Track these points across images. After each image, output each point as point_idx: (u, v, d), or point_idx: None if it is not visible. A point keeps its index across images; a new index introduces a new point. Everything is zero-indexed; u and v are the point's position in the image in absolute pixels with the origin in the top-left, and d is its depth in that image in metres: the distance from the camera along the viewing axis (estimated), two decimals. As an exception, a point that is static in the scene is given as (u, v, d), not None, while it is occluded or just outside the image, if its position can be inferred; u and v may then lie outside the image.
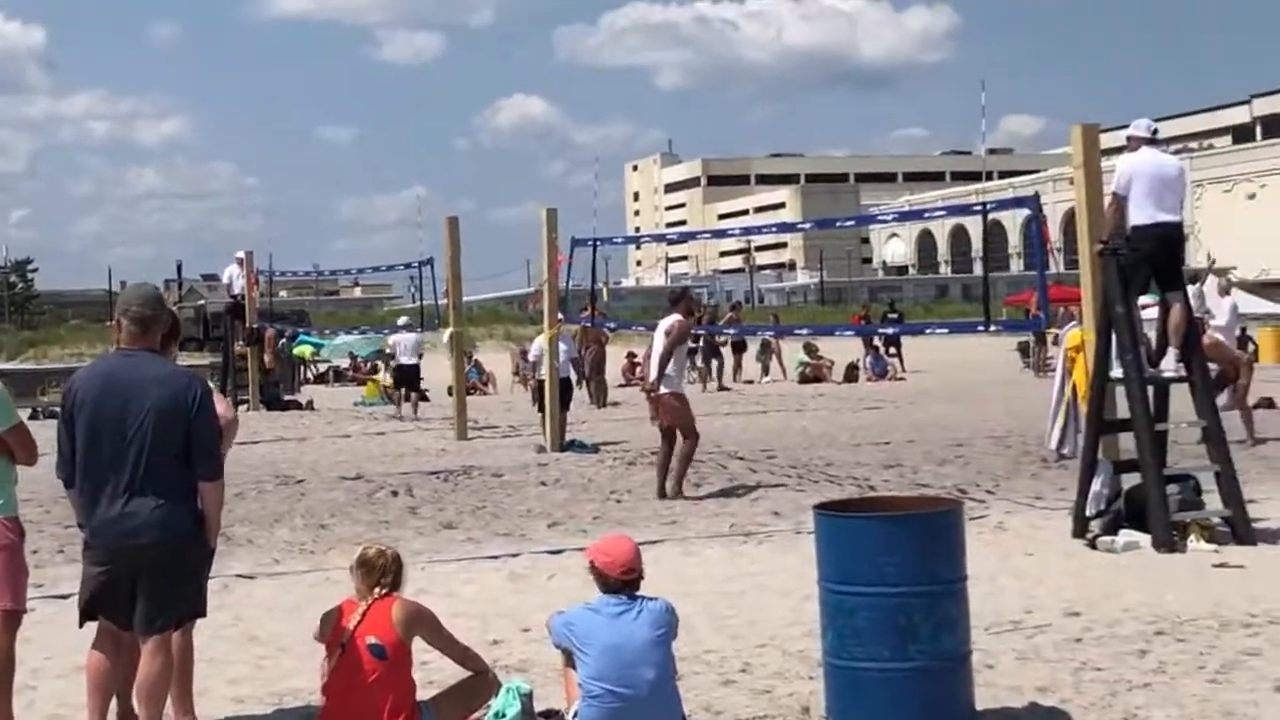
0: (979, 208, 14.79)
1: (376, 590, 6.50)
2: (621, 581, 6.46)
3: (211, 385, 7.06)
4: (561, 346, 21.47)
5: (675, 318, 15.32)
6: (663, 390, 15.21)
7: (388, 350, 31.23)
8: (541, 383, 21.01)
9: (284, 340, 35.38)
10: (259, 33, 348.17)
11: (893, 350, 39.02)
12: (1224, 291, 22.13)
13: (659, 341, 15.31)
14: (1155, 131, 12.18)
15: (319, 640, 6.59)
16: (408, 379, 28.81)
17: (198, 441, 6.52)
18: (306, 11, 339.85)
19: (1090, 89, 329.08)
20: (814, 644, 7.19)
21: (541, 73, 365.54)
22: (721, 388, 34.70)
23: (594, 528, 13.04)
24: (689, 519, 13.63)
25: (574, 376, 21.97)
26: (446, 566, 11.50)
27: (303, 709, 7.32)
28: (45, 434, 7.51)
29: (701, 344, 39.85)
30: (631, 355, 40.26)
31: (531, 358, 21.93)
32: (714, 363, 36.25)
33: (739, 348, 38.73)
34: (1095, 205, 12.17)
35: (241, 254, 31.78)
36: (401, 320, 32.84)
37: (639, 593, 6.49)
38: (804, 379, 37.06)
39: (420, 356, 29.25)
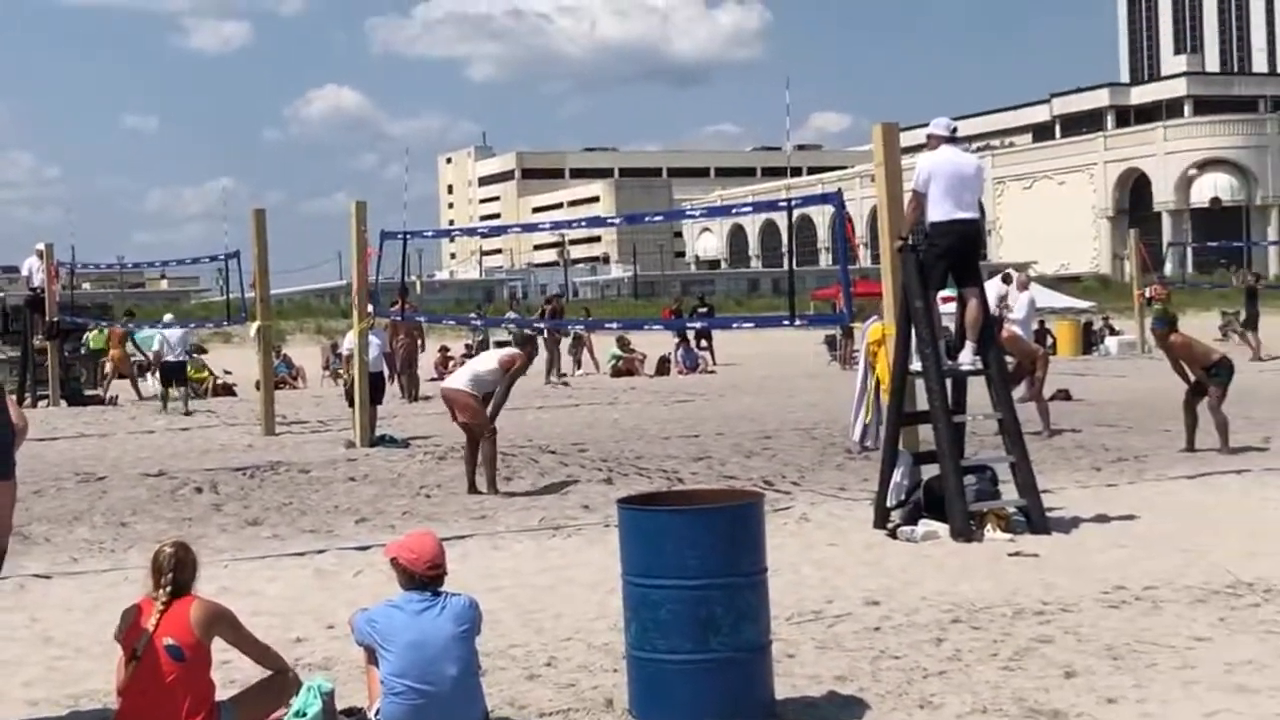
0: (784, 204, 14.98)
1: (162, 590, 6.39)
2: (427, 577, 6.45)
3: (3, 386, 6.87)
4: (374, 341, 21.26)
5: (516, 352, 15.51)
6: (458, 387, 15.19)
7: (155, 347, 30.83)
8: (354, 378, 20.79)
9: (89, 334, 34.58)
10: (61, 19, 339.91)
11: (703, 344, 39.36)
12: (1022, 286, 22.75)
13: (489, 365, 15.26)
14: (954, 130, 12.46)
15: (117, 640, 6.47)
16: (175, 375, 28.62)
17: (-13, 440, 6.36)
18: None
19: (897, 87, 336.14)
20: (619, 637, 7.25)
21: (354, 63, 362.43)
22: (563, 382, 34.50)
23: (403, 523, 12.98)
24: (499, 513, 13.62)
25: (386, 371, 21.72)
26: (250, 564, 11.34)
27: (99, 711, 7.17)
28: None
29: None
30: (444, 349, 40.09)
31: (343, 352, 21.64)
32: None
33: (553, 341, 38.73)
34: (895, 202, 12.42)
35: (41, 246, 30.94)
36: (166, 316, 32.62)
37: (443, 589, 6.49)
38: (616, 372, 37.21)
39: (189, 353, 29.30)
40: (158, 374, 30.43)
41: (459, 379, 15.50)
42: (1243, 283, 39.28)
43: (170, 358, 28.59)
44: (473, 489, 14.98)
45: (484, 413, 15.09)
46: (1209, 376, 16.69)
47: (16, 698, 7.53)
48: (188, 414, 26.69)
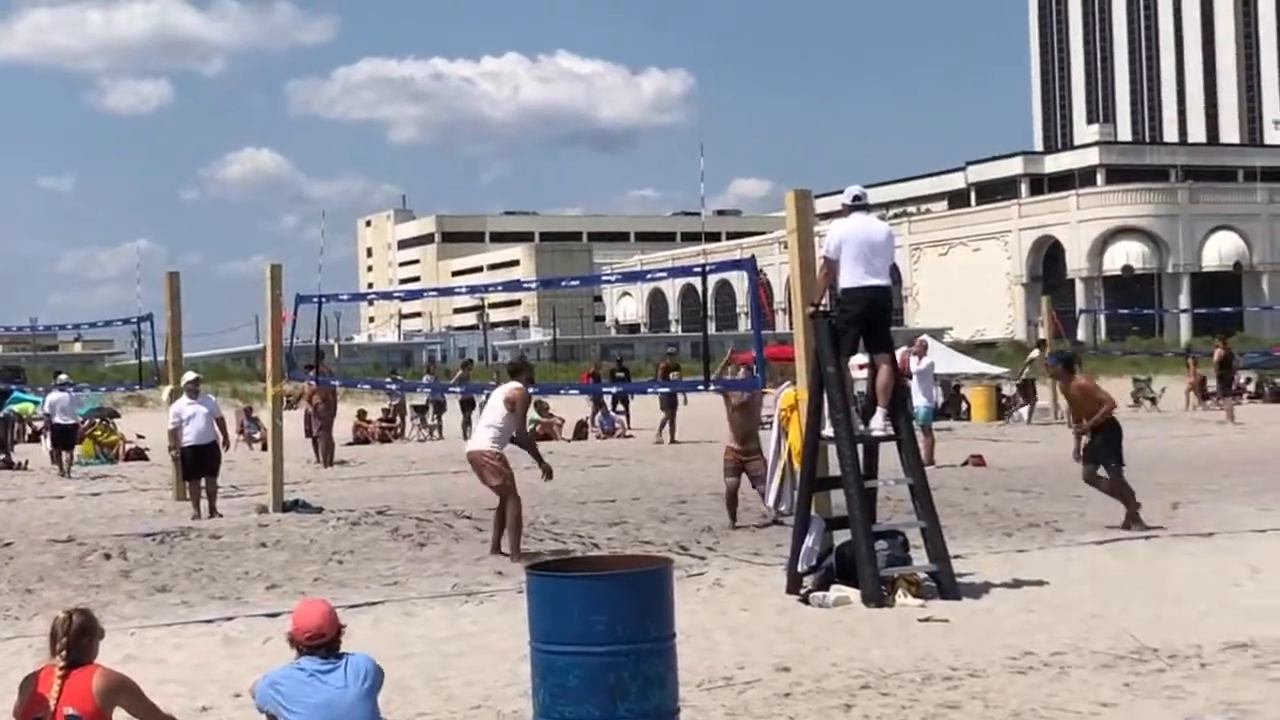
0: (699, 270, 15.09)
1: (59, 656, 6.31)
2: (308, 646, 6.40)
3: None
4: (199, 409, 19.88)
5: (514, 385, 15.08)
6: (482, 449, 14.88)
7: (44, 410, 30.77)
8: (183, 450, 19.65)
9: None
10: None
11: (619, 408, 39.39)
12: (919, 353, 23.15)
13: (498, 410, 14.96)
14: (860, 198, 12.55)
15: (15, 715, 6.37)
16: (65, 438, 28.48)
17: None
18: (25, 56, 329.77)
19: (816, 154, 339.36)
20: (528, 704, 7.22)
21: (273, 125, 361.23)
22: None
23: (313, 589, 12.86)
24: (411, 579, 13.54)
25: (220, 439, 20.42)
26: (157, 631, 11.20)
27: (-3, 783, 7.05)
28: None
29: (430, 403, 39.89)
30: (362, 413, 39.89)
31: (170, 424, 20.00)
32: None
33: (468, 405, 38.69)
34: (808, 268, 12.56)
35: None
36: (61, 377, 32.49)
37: (341, 650, 6.44)
38: (534, 436, 37.11)
39: (77, 416, 29.74)
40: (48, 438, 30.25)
41: (481, 440, 15.00)
42: (1214, 352, 39.92)
43: (59, 420, 28.48)
44: (496, 550, 14.76)
45: (511, 475, 14.83)
46: (1090, 441, 15.83)
47: (-88, 770, 7.38)
48: (65, 476, 26.85)
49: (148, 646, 10.53)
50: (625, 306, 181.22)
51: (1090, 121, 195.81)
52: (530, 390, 15.74)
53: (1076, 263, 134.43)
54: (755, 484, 16.84)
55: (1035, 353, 38.10)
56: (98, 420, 36.45)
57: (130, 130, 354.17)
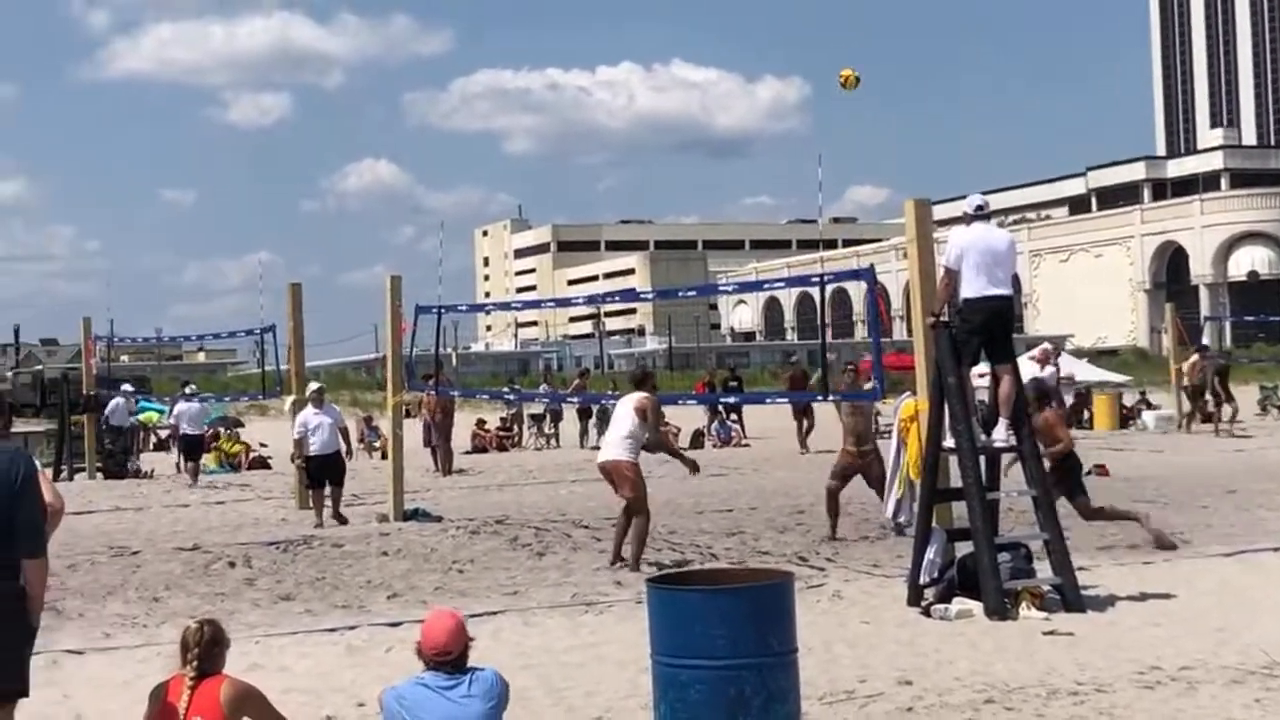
0: (817, 280, 15.02)
1: (189, 666, 6.40)
2: (435, 662, 6.43)
3: (39, 465, 6.91)
4: (324, 419, 20.20)
5: (643, 394, 15.16)
6: (617, 458, 14.88)
7: (171, 420, 31.27)
8: (308, 458, 19.99)
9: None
10: (100, 93, 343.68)
11: (733, 417, 39.30)
12: (1043, 361, 22.77)
13: (629, 419, 14.93)
14: (982, 208, 12.46)
15: (145, 721, 6.48)
16: (193, 448, 28.97)
17: (21, 520, 6.40)
18: (149, 72, 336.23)
19: (934, 160, 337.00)
20: (649, 716, 7.21)
21: (391, 137, 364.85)
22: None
23: (435, 598, 12.96)
24: (531, 589, 13.59)
25: (343, 449, 20.74)
26: (281, 640, 11.33)
27: (128, 790, 7.17)
28: None
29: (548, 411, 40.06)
30: (480, 422, 40.19)
31: (295, 433, 20.31)
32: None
33: (584, 414, 38.88)
34: (928, 277, 12.46)
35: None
36: (189, 388, 32.95)
37: (468, 665, 6.47)
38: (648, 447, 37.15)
39: (208, 426, 29.86)
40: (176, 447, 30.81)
41: (615, 450, 14.95)
42: None
43: (187, 430, 28.89)
44: (617, 559, 14.78)
45: (644, 488, 14.85)
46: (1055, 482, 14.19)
47: (47, 775, 7.53)
48: (192, 486, 27.13)
49: (272, 655, 10.65)
50: (740, 314, 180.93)
51: (1214, 125, 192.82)
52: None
53: (1200, 268, 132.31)
54: (872, 484, 16.67)
55: (1195, 357, 37.25)
56: (222, 430, 37.06)
57: (251, 143, 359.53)
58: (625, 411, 15.10)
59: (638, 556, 14.67)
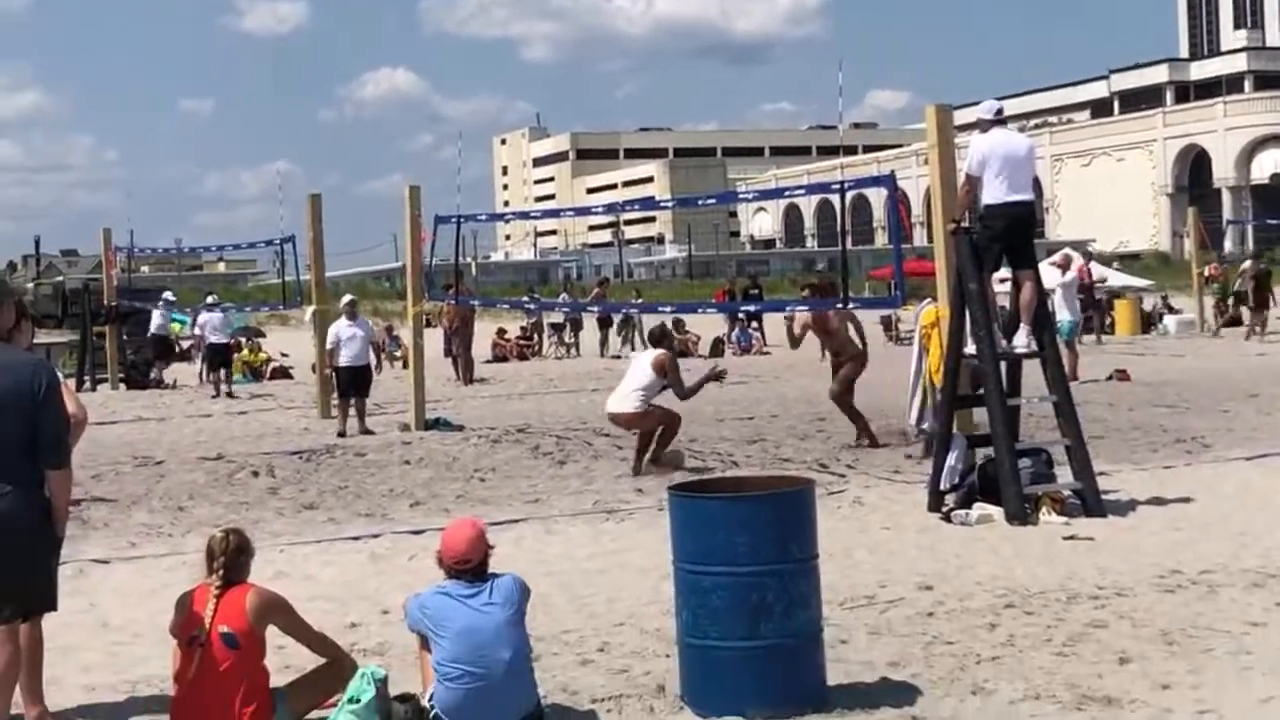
0: (837, 187, 14.94)
1: (215, 575, 6.45)
2: (455, 570, 6.47)
3: (61, 376, 6.94)
4: (358, 332, 20.36)
5: (661, 352, 15.33)
6: (626, 410, 15.04)
7: (195, 330, 31.24)
8: (337, 369, 20.17)
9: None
10: (117, 2, 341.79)
11: (754, 324, 39.30)
12: (1064, 266, 22.73)
13: (645, 374, 15.03)
14: (1000, 112, 12.37)
15: (173, 634, 6.54)
16: (219, 356, 28.90)
17: (44, 431, 6.44)
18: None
19: (955, 64, 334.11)
20: (672, 623, 7.25)
21: (408, 44, 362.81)
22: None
23: (457, 507, 13.04)
24: (553, 497, 13.65)
25: (373, 362, 20.90)
26: (305, 548, 11.41)
27: (156, 697, 7.23)
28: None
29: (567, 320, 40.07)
30: (501, 331, 40.26)
31: (328, 344, 20.45)
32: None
33: (604, 323, 38.94)
34: (949, 185, 12.38)
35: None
36: (211, 298, 32.85)
37: (488, 572, 6.51)
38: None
39: (242, 336, 29.66)
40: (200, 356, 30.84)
41: (624, 402, 15.09)
42: None
43: (213, 340, 28.86)
44: (638, 474, 14.79)
45: (655, 412, 14.98)
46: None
47: (75, 683, 7.61)
48: (230, 397, 26.95)
49: (297, 563, 10.73)
50: (760, 222, 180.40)
51: (1238, 27, 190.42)
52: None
53: (1223, 172, 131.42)
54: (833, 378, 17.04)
55: (1248, 263, 37.53)
56: (244, 340, 37.15)
57: (268, 51, 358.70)
58: (642, 366, 15.28)
59: (665, 447, 14.86)
